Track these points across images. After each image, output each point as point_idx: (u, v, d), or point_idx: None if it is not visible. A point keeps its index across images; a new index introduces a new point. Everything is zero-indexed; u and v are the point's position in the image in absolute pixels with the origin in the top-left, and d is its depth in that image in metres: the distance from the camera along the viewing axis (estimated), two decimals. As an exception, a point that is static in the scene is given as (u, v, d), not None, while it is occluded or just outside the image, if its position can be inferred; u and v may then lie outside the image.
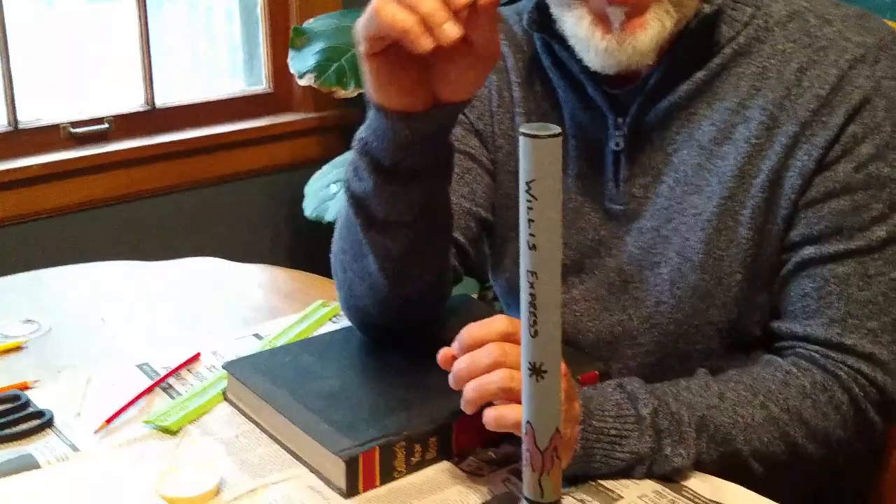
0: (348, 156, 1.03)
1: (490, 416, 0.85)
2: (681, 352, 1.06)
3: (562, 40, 1.04)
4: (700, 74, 1.03)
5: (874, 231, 0.98)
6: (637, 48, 0.98)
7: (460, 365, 0.87)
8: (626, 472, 0.90)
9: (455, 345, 0.88)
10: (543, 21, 1.05)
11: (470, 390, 0.86)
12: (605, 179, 1.08)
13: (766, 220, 1.01)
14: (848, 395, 0.98)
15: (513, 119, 1.14)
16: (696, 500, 0.88)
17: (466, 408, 0.87)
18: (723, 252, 1.02)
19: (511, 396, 0.84)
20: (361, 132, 0.97)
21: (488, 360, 0.85)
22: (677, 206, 1.04)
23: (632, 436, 0.89)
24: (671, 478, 0.90)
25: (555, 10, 1.03)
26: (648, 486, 0.89)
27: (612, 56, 0.99)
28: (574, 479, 0.89)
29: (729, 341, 1.05)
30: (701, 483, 0.90)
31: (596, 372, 0.99)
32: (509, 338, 0.86)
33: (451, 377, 0.88)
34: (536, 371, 0.74)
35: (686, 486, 0.89)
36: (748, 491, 0.90)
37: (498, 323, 0.87)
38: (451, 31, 0.82)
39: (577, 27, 1.00)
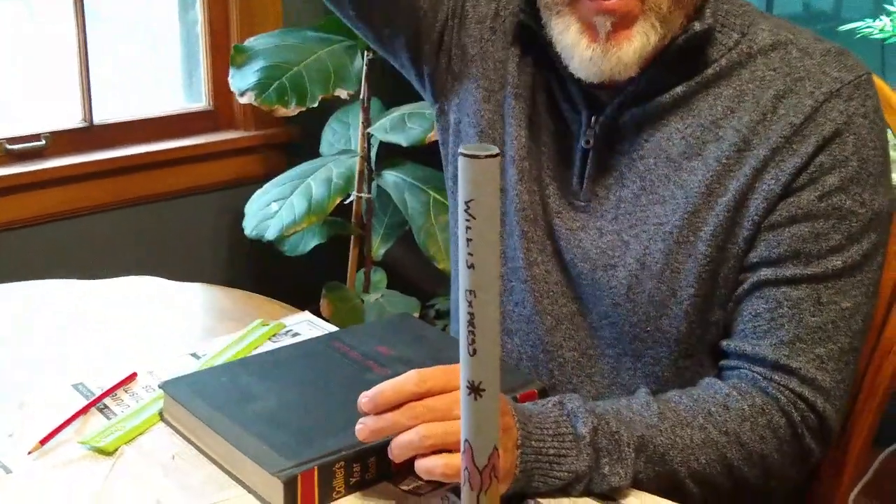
0: (290, 174, 1.02)
1: (422, 469, 0.85)
2: (636, 351, 1.07)
3: (548, 42, 1.06)
4: (679, 89, 1.05)
5: (831, 260, 1.00)
6: (621, 59, 1.01)
7: (380, 424, 0.86)
8: (564, 490, 0.90)
9: (367, 403, 0.87)
10: (534, 19, 1.08)
11: (395, 448, 0.86)
12: (572, 174, 1.10)
13: (727, 239, 1.03)
14: (786, 419, 0.99)
15: (506, 63, 1.15)
16: (633, 517, 0.89)
17: (394, 459, 0.87)
18: (680, 265, 1.04)
19: (437, 449, 0.84)
20: None
21: (408, 421, 0.85)
22: (641, 213, 1.06)
23: (570, 454, 0.90)
24: (609, 495, 0.91)
25: (543, 15, 1.06)
26: (585, 503, 0.90)
27: (595, 65, 1.02)
28: (511, 495, 0.89)
29: (679, 352, 1.06)
30: (637, 501, 0.91)
31: (535, 391, 1.00)
32: (425, 395, 0.86)
33: (366, 431, 0.86)
34: (475, 389, 0.74)
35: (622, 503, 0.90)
36: (684, 509, 0.91)
37: (410, 384, 0.86)
38: None
39: (563, 34, 1.03)
